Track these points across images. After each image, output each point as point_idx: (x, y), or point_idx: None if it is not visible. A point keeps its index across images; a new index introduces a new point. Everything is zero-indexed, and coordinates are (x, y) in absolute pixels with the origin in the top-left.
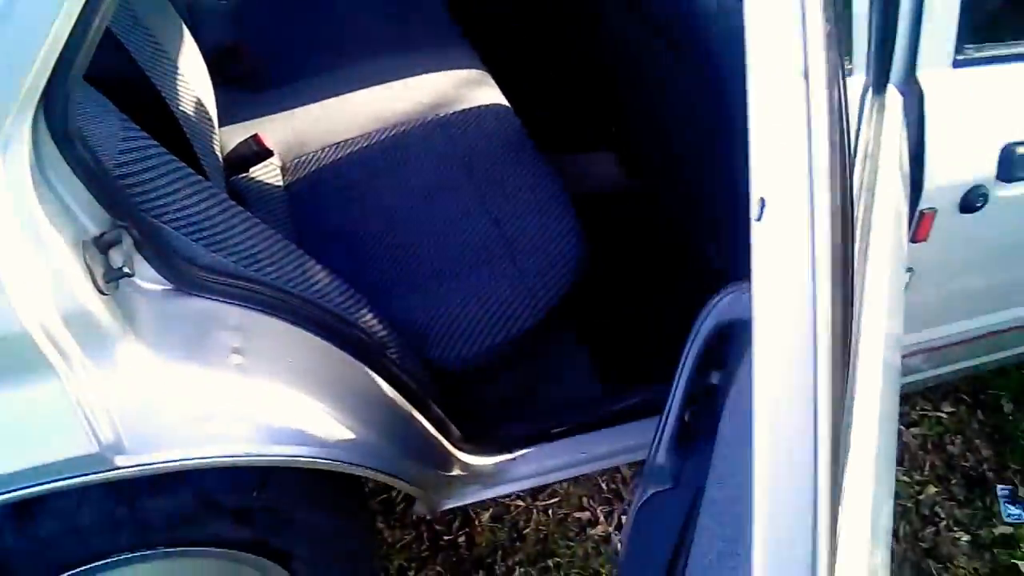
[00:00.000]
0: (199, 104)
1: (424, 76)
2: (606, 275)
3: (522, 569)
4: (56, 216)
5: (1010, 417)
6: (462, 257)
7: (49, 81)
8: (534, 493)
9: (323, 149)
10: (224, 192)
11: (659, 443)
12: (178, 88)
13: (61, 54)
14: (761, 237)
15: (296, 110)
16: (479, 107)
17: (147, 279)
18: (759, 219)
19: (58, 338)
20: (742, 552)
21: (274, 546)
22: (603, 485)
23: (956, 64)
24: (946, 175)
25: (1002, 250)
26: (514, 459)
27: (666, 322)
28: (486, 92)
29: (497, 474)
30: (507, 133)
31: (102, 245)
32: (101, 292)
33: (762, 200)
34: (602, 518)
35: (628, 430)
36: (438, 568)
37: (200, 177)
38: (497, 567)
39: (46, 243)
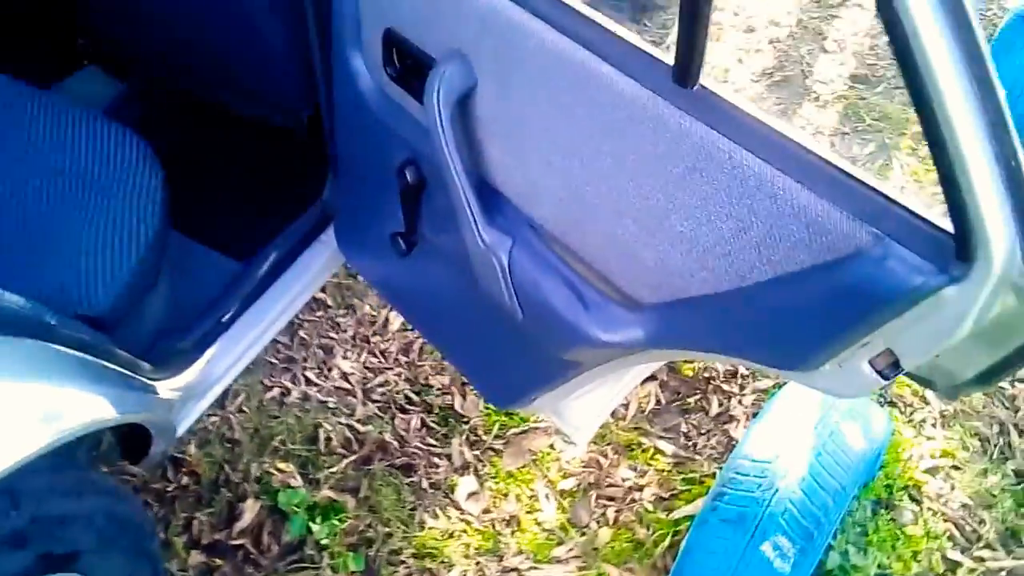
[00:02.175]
0: None
1: None
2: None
3: (255, 464)
4: None
5: None
6: (51, 216)
7: None
8: (222, 404)
9: None
10: None
11: (476, 231)
12: None
13: None
14: None
15: None
16: None
17: None
18: None
19: None
20: None
21: (59, 553)
22: (273, 360)
23: None
24: None
25: None
26: (209, 360)
27: (251, 178)
28: None
29: (205, 379)
30: None
31: None
32: None
33: None
34: (289, 385)
35: (286, 281)
36: (183, 515)
37: None
38: (232, 477)
39: None
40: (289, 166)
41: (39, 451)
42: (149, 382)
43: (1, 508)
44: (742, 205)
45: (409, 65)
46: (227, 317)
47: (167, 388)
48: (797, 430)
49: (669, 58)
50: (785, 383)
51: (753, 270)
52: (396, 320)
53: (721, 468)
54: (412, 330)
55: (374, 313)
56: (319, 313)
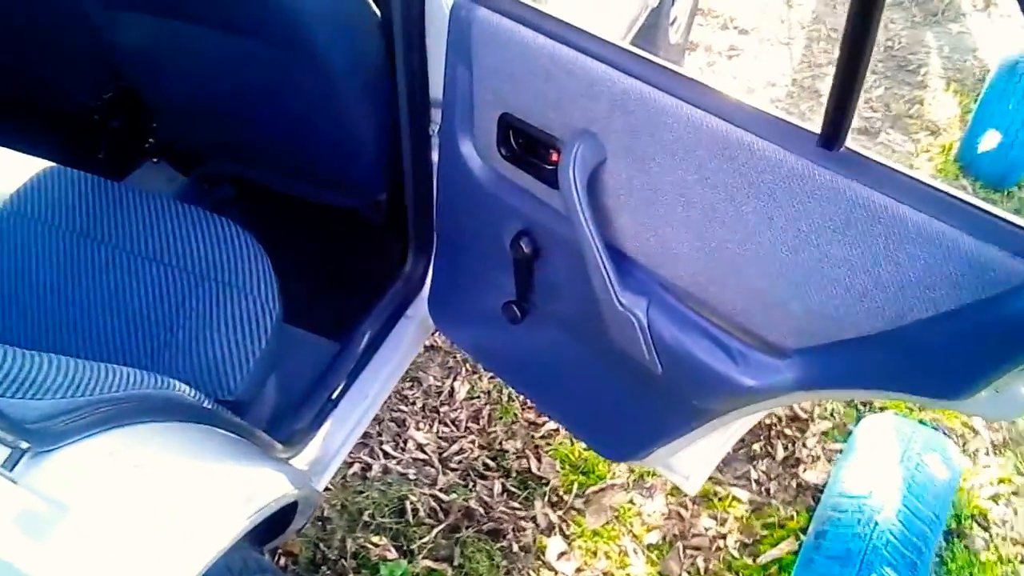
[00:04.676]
0: None
1: None
2: None
3: (349, 539)
4: None
5: None
6: (173, 306)
7: None
8: None
9: None
10: None
11: (614, 293)
12: None
13: None
14: None
15: None
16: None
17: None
18: None
19: None
20: None
21: None
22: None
23: None
24: None
25: None
26: (326, 436)
27: (328, 260)
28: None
29: (325, 454)
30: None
31: None
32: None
33: None
34: (368, 460)
35: (383, 355)
36: None
37: None
38: (329, 554)
39: None
40: (363, 246)
41: (242, 531)
42: (284, 458)
43: None
44: (901, 251)
45: (522, 144)
46: (335, 395)
47: (300, 464)
48: (884, 465)
49: (809, 125)
50: (855, 422)
51: (912, 310)
52: (462, 389)
53: (799, 511)
54: (479, 398)
55: (439, 384)
56: None
